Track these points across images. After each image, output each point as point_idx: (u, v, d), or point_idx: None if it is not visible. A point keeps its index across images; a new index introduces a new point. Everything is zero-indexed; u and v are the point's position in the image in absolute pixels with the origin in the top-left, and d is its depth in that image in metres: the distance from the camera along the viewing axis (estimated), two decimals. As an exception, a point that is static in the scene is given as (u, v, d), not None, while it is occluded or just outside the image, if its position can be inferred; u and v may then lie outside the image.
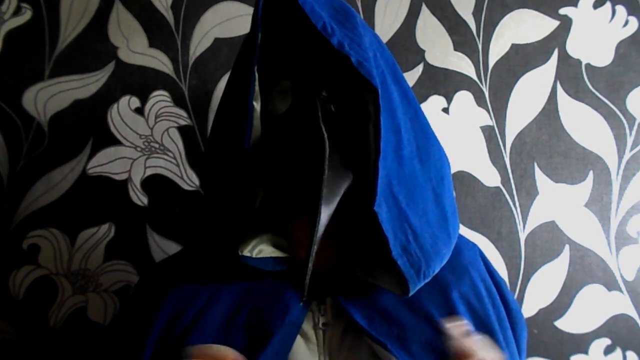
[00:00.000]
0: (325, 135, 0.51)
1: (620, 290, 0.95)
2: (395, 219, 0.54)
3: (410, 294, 0.53)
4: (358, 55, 0.53)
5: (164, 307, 0.57)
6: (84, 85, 0.92)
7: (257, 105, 0.56)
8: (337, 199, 0.52)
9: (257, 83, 0.55)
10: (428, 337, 0.55)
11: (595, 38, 0.97)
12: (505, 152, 0.96)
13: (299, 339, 0.55)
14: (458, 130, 0.96)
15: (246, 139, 0.53)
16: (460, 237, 0.65)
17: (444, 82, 0.96)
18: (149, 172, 0.92)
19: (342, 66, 0.54)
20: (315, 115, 0.53)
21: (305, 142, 0.53)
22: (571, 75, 0.97)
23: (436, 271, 0.55)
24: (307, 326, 0.56)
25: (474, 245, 0.68)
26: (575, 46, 0.97)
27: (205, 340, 0.54)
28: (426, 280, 0.54)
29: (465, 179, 0.96)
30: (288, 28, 0.59)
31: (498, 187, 0.96)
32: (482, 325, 0.58)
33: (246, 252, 0.55)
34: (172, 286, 0.59)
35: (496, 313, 0.60)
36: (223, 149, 0.59)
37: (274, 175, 0.56)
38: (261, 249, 0.56)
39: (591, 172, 0.96)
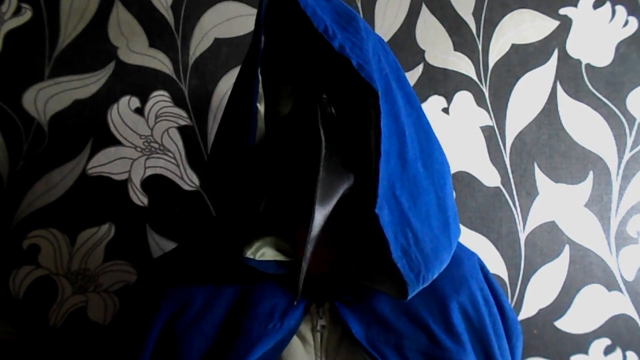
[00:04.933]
0: (323, 137, 0.52)
1: (620, 290, 0.95)
2: (396, 222, 0.54)
3: (409, 297, 0.53)
4: (359, 58, 0.53)
5: (164, 305, 0.57)
6: (84, 85, 0.92)
7: (260, 108, 0.56)
8: (334, 200, 0.53)
9: (260, 85, 0.55)
10: (424, 346, 0.55)
11: (595, 38, 0.97)
12: (505, 152, 0.96)
13: (297, 341, 0.55)
14: (458, 130, 0.96)
15: (250, 140, 0.54)
16: (461, 245, 0.65)
17: (444, 82, 0.96)
18: (149, 172, 0.92)
19: (344, 69, 0.54)
20: (314, 117, 0.53)
21: (304, 144, 0.53)
22: (571, 75, 0.97)
23: (435, 275, 0.55)
24: (305, 328, 0.56)
25: (473, 254, 0.68)
26: (575, 46, 0.97)
27: (204, 338, 0.54)
28: (425, 284, 0.54)
29: (465, 179, 0.96)
30: (290, 31, 0.59)
31: (498, 187, 0.96)
32: (478, 334, 0.58)
33: (249, 254, 0.55)
34: (171, 284, 0.60)
35: (492, 322, 0.60)
36: (228, 150, 0.59)
37: (277, 177, 0.56)
38: (264, 252, 0.56)
39: (591, 172, 0.96)
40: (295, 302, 0.55)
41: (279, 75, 0.59)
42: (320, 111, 0.54)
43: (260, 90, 0.55)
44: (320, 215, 0.51)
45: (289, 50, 0.60)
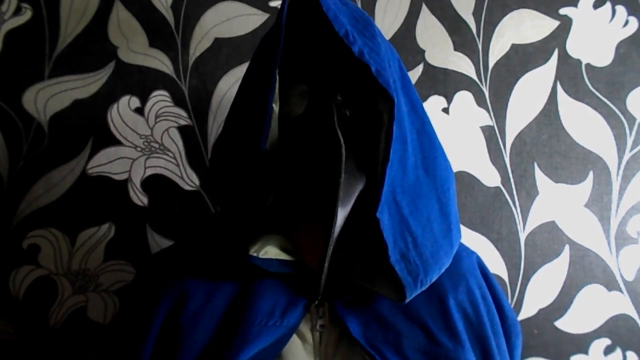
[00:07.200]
0: (342, 139, 0.53)
1: (620, 291, 0.95)
2: (396, 226, 0.54)
3: (407, 300, 0.54)
4: (377, 64, 0.54)
5: (164, 298, 0.58)
6: (84, 85, 0.92)
7: (275, 107, 0.57)
8: (352, 201, 0.54)
9: (277, 85, 0.56)
10: (422, 344, 0.55)
11: (595, 38, 0.97)
12: (505, 152, 0.96)
13: (296, 340, 0.55)
14: (458, 130, 0.96)
15: (263, 140, 0.54)
16: (460, 244, 0.65)
17: (444, 82, 0.96)
18: (149, 172, 0.92)
19: (359, 73, 0.55)
20: (331, 119, 0.54)
21: (321, 146, 0.54)
22: (571, 75, 0.97)
23: (434, 279, 0.56)
24: (304, 327, 0.56)
25: (473, 252, 0.68)
26: (575, 46, 0.97)
27: (205, 332, 0.54)
28: (423, 288, 0.55)
29: (465, 179, 0.96)
30: (308, 32, 0.60)
31: (498, 187, 0.96)
32: (476, 332, 0.58)
33: (252, 252, 0.56)
34: (171, 279, 0.60)
35: (490, 320, 0.60)
36: (238, 148, 0.60)
37: (289, 177, 0.57)
38: (267, 250, 0.57)
39: (591, 172, 0.96)
40: (316, 303, 0.56)
41: (294, 74, 0.59)
42: (336, 112, 0.54)
43: (276, 90, 0.56)
44: (341, 216, 0.52)
45: (305, 50, 0.60)
